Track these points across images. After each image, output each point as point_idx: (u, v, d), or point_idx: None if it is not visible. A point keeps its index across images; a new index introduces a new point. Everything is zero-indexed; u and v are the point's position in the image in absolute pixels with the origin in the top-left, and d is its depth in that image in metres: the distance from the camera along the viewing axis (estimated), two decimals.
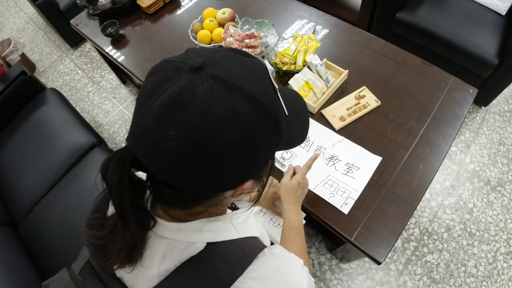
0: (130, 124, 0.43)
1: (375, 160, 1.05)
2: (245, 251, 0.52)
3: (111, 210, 0.55)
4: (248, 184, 0.46)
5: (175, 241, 0.49)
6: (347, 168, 1.04)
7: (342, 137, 1.10)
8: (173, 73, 0.40)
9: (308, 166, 0.90)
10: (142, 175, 0.52)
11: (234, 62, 0.42)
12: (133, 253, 0.47)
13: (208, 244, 0.50)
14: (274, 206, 1.00)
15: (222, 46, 1.38)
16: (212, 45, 1.41)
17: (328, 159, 1.06)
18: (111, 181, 0.43)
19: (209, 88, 0.38)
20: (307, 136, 1.09)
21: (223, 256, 0.50)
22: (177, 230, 0.49)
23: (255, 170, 0.45)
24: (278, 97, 0.46)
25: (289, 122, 0.48)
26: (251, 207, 0.55)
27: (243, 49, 1.27)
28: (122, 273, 0.53)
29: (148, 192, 0.51)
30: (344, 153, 1.07)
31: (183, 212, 0.49)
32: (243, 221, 0.56)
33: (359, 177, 1.02)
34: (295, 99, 0.56)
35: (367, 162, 1.04)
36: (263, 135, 0.41)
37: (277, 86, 0.46)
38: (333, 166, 1.05)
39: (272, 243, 0.96)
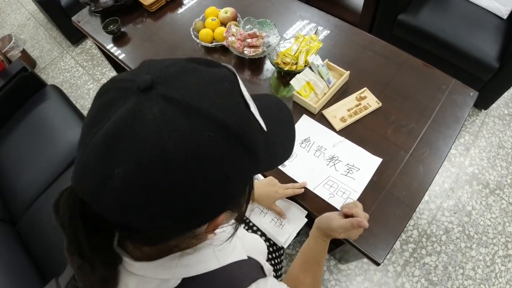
0: None
1: (375, 161, 1.05)
2: (226, 285, 0.46)
3: None
4: (222, 216, 0.41)
5: (146, 277, 0.44)
6: (347, 169, 1.04)
7: (343, 138, 1.10)
8: (120, 95, 0.33)
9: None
10: None
11: (192, 77, 0.35)
12: None
13: (184, 279, 0.44)
14: (274, 206, 0.99)
15: (218, 46, 1.38)
16: (213, 44, 1.41)
17: (329, 160, 1.07)
18: (63, 223, 0.37)
19: (159, 114, 0.31)
20: (308, 137, 1.11)
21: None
22: (145, 268, 0.44)
23: (227, 201, 0.38)
24: (250, 113, 0.38)
25: (270, 138, 0.42)
26: (233, 233, 0.47)
27: (245, 49, 1.27)
28: None
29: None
30: (345, 153, 1.07)
31: (155, 248, 0.44)
32: (224, 247, 0.49)
33: (359, 178, 1.02)
34: (278, 109, 0.49)
35: (367, 163, 1.05)
36: (232, 163, 0.35)
37: (249, 100, 0.39)
38: (334, 167, 1.05)
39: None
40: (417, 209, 1.72)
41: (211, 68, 0.38)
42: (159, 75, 0.34)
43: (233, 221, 0.46)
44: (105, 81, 0.36)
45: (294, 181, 1.04)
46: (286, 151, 0.48)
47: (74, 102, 1.88)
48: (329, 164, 1.06)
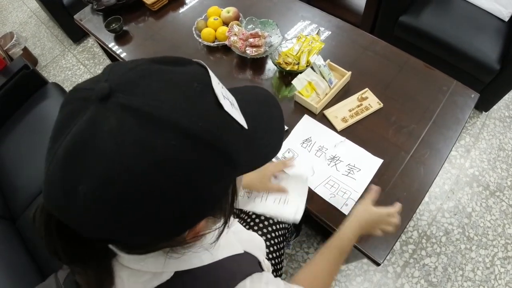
0: None
1: (376, 162, 1.05)
2: (221, 279, 0.45)
3: None
4: (203, 223, 0.39)
5: (139, 271, 0.43)
6: (348, 169, 1.04)
7: (344, 138, 1.11)
8: (79, 106, 0.31)
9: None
10: None
11: (154, 81, 0.33)
12: (102, 286, 0.42)
13: (176, 273, 0.43)
14: (270, 185, 0.94)
15: (220, 45, 1.38)
16: (216, 43, 1.41)
17: (330, 160, 1.07)
18: (40, 236, 0.37)
19: (117, 125, 0.29)
20: (309, 137, 1.11)
21: (196, 282, 0.44)
22: (138, 262, 0.43)
23: (204, 209, 0.36)
24: (225, 113, 0.36)
25: (256, 134, 0.40)
26: (219, 235, 0.44)
27: (247, 48, 1.27)
28: None
29: None
30: (346, 154, 1.08)
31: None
32: (216, 241, 0.46)
33: (360, 178, 1.02)
34: (265, 102, 0.47)
35: (368, 164, 1.05)
36: (204, 171, 0.33)
37: (223, 98, 0.36)
38: (335, 167, 1.05)
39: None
40: (417, 210, 1.72)
41: (179, 67, 0.36)
42: (119, 82, 0.32)
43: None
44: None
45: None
46: (275, 145, 0.45)
47: None
48: (330, 164, 1.06)
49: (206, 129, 0.32)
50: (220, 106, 0.35)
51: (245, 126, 0.38)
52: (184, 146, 0.31)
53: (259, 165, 0.43)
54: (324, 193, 1.01)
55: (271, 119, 0.45)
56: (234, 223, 0.57)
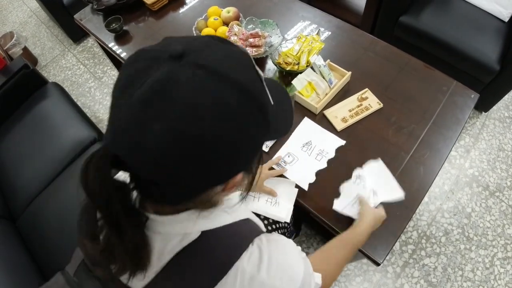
0: None
1: (397, 193, 0.95)
2: (241, 236, 0.51)
3: None
4: (239, 176, 0.44)
5: (169, 234, 0.47)
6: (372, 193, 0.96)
7: (344, 141, 1.10)
8: (151, 63, 0.36)
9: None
10: (124, 176, 0.48)
11: (217, 49, 0.39)
12: (140, 258, 0.44)
13: (203, 232, 0.48)
14: (264, 187, 1.01)
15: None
16: None
17: (356, 177, 0.98)
18: (93, 188, 0.37)
19: (193, 77, 0.35)
20: (309, 140, 1.11)
21: (219, 241, 0.49)
22: (171, 223, 0.47)
23: (245, 162, 0.43)
24: (264, 86, 0.43)
25: (275, 111, 0.46)
26: (242, 199, 0.53)
27: (247, 48, 1.28)
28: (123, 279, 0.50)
29: (134, 192, 0.46)
30: (372, 176, 0.98)
31: (173, 209, 0.47)
32: (234, 205, 0.54)
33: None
34: (278, 89, 0.54)
35: (389, 194, 0.96)
36: (252, 126, 0.40)
37: (262, 75, 0.44)
38: (362, 185, 0.96)
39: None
40: (417, 211, 1.72)
41: (231, 46, 0.42)
42: (188, 46, 0.38)
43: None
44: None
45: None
46: (287, 124, 0.54)
47: (75, 100, 1.88)
48: (356, 181, 0.97)
49: (257, 91, 0.40)
50: (261, 80, 0.43)
51: (272, 102, 0.45)
52: (243, 100, 0.38)
53: (275, 138, 0.56)
54: (352, 212, 0.94)
55: (283, 101, 0.53)
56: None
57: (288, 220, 1.02)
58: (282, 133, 0.53)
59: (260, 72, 0.43)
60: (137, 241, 0.43)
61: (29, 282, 1.27)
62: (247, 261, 0.48)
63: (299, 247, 0.59)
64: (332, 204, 0.98)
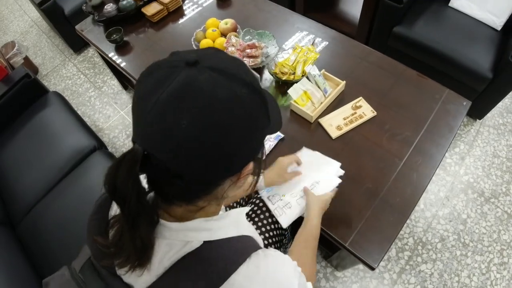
0: (131, 129, 0.44)
1: (335, 165, 1.04)
2: (240, 249, 0.53)
3: (113, 211, 0.56)
4: (250, 166, 0.50)
5: (174, 240, 0.51)
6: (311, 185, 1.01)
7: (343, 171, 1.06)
8: (171, 70, 0.42)
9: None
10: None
11: (223, 57, 0.47)
12: (143, 256, 0.48)
13: (205, 242, 0.51)
14: (287, 175, 1.01)
15: None
16: None
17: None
18: (123, 187, 0.42)
19: (210, 77, 0.41)
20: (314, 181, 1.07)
21: (219, 253, 0.51)
22: (177, 230, 0.51)
23: (255, 150, 0.49)
24: (261, 86, 0.49)
25: (271, 109, 0.52)
26: (256, 179, 0.57)
27: (244, 59, 1.31)
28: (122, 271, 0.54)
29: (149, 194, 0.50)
30: (307, 165, 1.05)
31: (185, 209, 0.51)
32: (241, 220, 0.59)
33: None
34: (268, 93, 0.60)
35: (329, 170, 1.03)
36: (259, 116, 0.46)
37: (258, 77, 0.50)
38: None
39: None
40: (413, 217, 1.74)
41: (230, 55, 0.49)
42: (200, 55, 0.44)
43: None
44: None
45: None
46: (279, 122, 0.59)
47: (75, 109, 1.91)
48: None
49: (260, 88, 0.47)
50: (258, 81, 0.49)
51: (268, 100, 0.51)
52: (250, 94, 0.44)
53: (274, 131, 0.56)
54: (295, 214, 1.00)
55: (273, 103, 0.57)
56: (246, 209, 0.66)
57: (285, 227, 1.02)
58: (276, 129, 0.58)
59: (256, 75, 0.50)
60: (146, 239, 0.47)
61: (27, 287, 1.28)
62: (243, 274, 0.50)
63: (295, 262, 0.60)
64: (328, 210, 1.00)
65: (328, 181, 1.00)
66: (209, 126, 0.41)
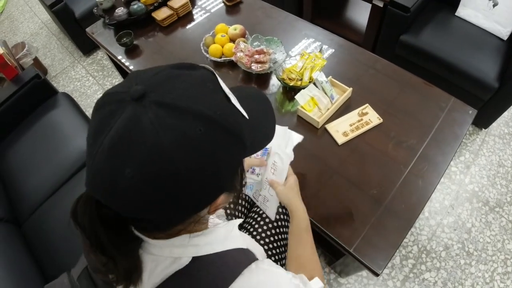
0: None
1: (285, 130, 0.98)
2: (230, 266, 0.51)
3: None
4: (222, 198, 0.46)
5: (160, 256, 0.49)
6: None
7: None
8: (116, 106, 0.38)
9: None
10: None
11: (178, 82, 0.40)
12: (132, 277, 0.47)
13: (194, 258, 0.49)
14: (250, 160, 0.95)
15: (226, 61, 1.43)
16: (222, 59, 1.46)
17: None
18: (83, 227, 0.42)
19: (154, 117, 0.36)
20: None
21: (208, 271, 0.49)
22: (162, 247, 0.49)
23: (224, 184, 0.44)
24: (232, 105, 0.44)
25: (253, 123, 0.48)
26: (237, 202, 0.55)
27: (252, 64, 1.33)
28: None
29: None
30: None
31: (164, 234, 0.49)
32: (229, 234, 0.56)
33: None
34: (257, 98, 0.56)
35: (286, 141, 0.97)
36: (223, 151, 0.41)
37: (229, 94, 0.44)
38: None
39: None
40: (417, 225, 1.74)
41: (192, 71, 0.43)
42: (149, 84, 0.39)
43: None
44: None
45: None
46: (267, 134, 0.55)
47: (83, 111, 1.94)
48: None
49: (223, 117, 0.40)
50: (228, 100, 0.44)
51: (246, 116, 0.46)
52: (208, 130, 0.39)
53: (259, 149, 0.53)
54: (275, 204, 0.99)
55: (263, 111, 0.55)
56: (238, 222, 0.63)
57: (273, 219, 1.01)
58: (263, 143, 0.54)
59: (227, 91, 0.44)
60: (128, 267, 0.46)
61: (31, 285, 1.29)
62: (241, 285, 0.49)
63: (290, 273, 0.60)
64: (333, 215, 1.01)
65: (282, 157, 0.93)
66: (156, 178, 0.37)
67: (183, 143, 0.37)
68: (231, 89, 0.49)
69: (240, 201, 1.07)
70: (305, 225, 0.84)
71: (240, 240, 0.58)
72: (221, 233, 0.55)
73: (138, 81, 0.40)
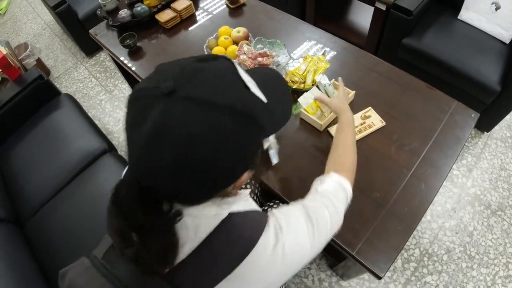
0: None
1: None
2: (259, 217, 0.59)
3: None
4: (245, 175, 0.52)
5: (202, 214, 0.54)
6: None
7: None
8: (150, 100, 0.43)
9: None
10: None
11: (203, 75, 0.45)
12: (168, 258, 0.50)
13: (230, 213, 0.55)
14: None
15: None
16: None
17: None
18: (124, 207, 0.47)
19: (184, 111, 0.41)
20: None
21: (244, 221, 0.56)
22: (199, 209, 0.54)
23: (247, 163, 0.50)
24: (252, 93, 0.49)
25: (270, 106, 0.53)
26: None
27: (256, 66, 1.33)
28: None
29: None
30: None
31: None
32: (245, 199, 0.63)
33: None
34: (274, 79, 0.62)
35: None
36: (246, 135, 0.46)
37: (248, 82, 0.49)
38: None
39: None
40: (419, 228, 1.74)
41: (213, 62, 0.48)
42: (178, 80, 0.43)
43: None
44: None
45: None
46: (285, 114, 0.61)
47: (86, 112, 1.94)
48: None
49: (244, 104, 0.46)
50: (248, 88, 0.48)
51: (265, 100, 0.52)
52: (233, 118, 0.43)
53: (277, 129, 0.58)
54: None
55: (280, 92, 0.61)
56: (248, 191, 0.70)
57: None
58: (281, 123, 0.59)
59: (246, 79, 0.49)
60: (163, 245, 0.49)
61: (32, 285, 1.29)
62: (269, 235, 0.55)
63: (303, 210, 0.65)
64: None
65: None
66: (190, 162, 0.42)
67: (212, 132, 0.42)
68: (249, 72, 0.54)
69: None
70: (349, 121, 0.95)
71: (254, 204, 0.67)
72: (241, 198, 0.62)
73: (167, 77, 0.44)
